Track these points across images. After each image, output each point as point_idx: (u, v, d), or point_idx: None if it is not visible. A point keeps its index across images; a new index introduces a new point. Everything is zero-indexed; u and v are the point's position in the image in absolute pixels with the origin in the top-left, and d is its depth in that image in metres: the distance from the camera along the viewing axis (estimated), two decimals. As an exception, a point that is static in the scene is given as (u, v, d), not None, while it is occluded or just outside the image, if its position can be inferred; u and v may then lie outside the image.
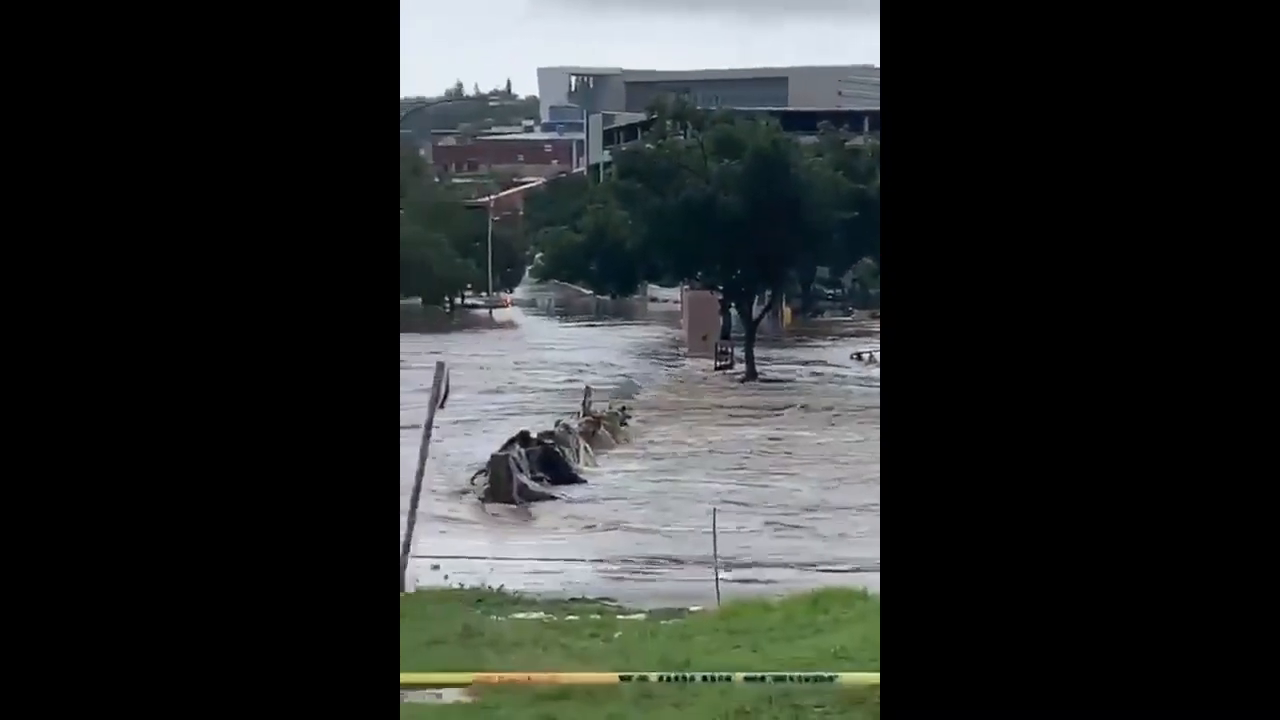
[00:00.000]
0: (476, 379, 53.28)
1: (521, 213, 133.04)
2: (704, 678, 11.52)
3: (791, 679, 11.50)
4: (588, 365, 62.00)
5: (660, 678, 11.68)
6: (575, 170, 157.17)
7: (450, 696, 14.79)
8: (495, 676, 13.48)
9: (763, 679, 11.55)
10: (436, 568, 22.63)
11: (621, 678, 11.58)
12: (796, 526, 30.28)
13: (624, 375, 60.28)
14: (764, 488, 35.03)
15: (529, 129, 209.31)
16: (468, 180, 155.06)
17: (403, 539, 21.08)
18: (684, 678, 11.61)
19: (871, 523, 30.82)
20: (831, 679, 11.18)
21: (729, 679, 11.38)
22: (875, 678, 12.08)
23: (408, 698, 14.56)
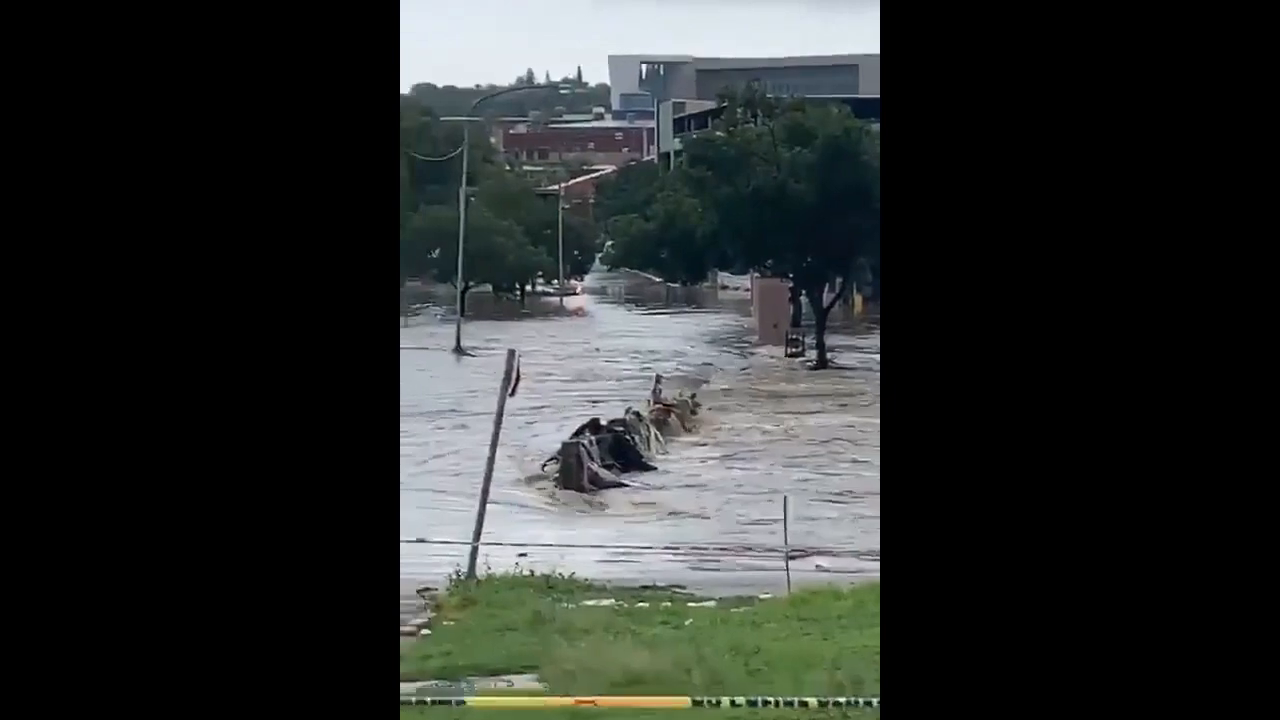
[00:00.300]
0: (548, 366, 53.36)
1: (592, 200, 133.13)
2: (785, 702, 11.52)
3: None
4: (658, 353, 61.99)
5: (733, 702, 11.67)
6: (646, 158, 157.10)
7: (521, 683, 14.83)
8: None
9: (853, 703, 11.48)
10: (524, 555, 22.68)
11: (694, 702, 11.62)
12: (867, 515, 30.21)
13: (694, 363, 60.26)
14: (835, 475, 34.96)
15: (600, 117, 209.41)
16: (539, 168, 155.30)
17: (474, 525, 21.15)
18: (755, 701, 11.63)
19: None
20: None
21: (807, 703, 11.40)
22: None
23: (477, 685, 14.60)
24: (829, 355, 61.07)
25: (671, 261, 65.51)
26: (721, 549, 26.51)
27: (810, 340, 62.96)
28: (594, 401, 45.35)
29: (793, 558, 22.21)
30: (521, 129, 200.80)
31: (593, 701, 12.65)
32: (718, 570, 24.67)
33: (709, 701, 11.74)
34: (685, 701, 11.80)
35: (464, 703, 12.91)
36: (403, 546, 21.62)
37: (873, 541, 27.60)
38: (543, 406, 43.16)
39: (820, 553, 25.76)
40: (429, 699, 13.12)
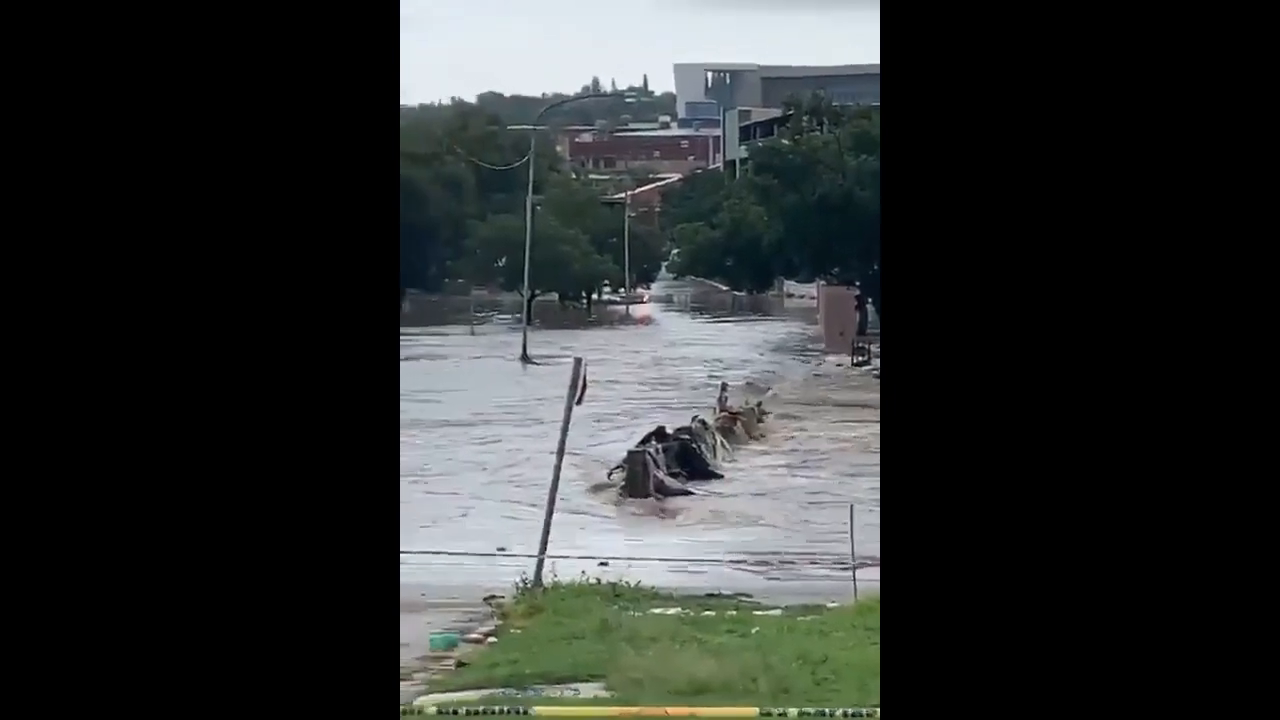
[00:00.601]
0: (614, 374, 53.37)
1: (658, 209, 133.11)
2: (843, 714, 11.45)
3: None
4: (724, 361, 61.94)
5: (800, 714, 11.63)
6: (711, 166, 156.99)
7: (588, 691, 14.84)
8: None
9: None
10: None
11: (762, 712, 11.61)
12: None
13: (760, 371, 60.18)
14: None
15: (665, 125, 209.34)
16: (605, 176, 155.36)
17: (540, 534, 21.18)
18: (824, 712, 11.59)
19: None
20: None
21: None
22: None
23: (543, 693, 14.61)
24: (896, 363, 60.74)
25: (737, 269, 65.53)
26: (788, 557, 26.46)
27: (877, 348, 62.75)
28: (660, 410, 45.33)
29: (860, 566, 22.14)
30: (587, 137, 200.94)
31: (664, 712, 12.65)
32: (784, 579, 24.62)
33: (776, 712, 11.71)
34: (752, 712, 11.80)
35: (527, 713, 12.92)
36: (470, 556, 21.61)
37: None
38: (610, 414, 43.17)
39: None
40: (496, 708, 13.14)
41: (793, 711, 11.57)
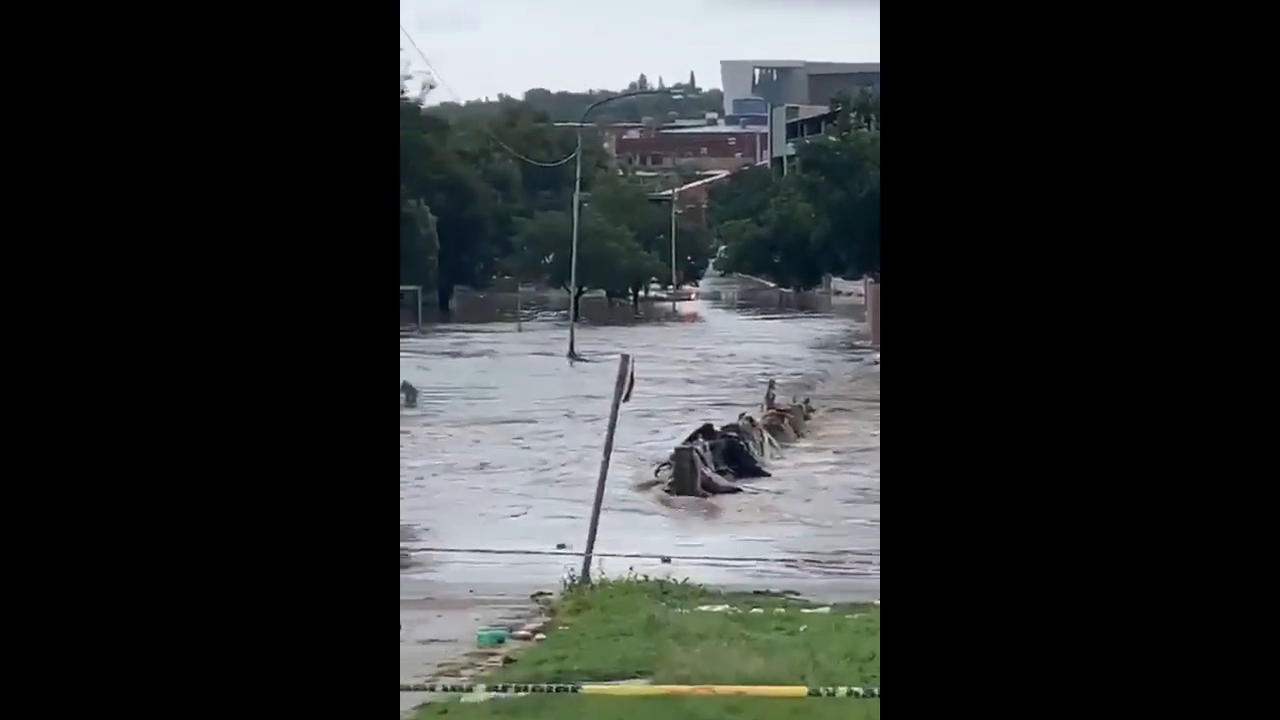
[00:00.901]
0: (661, 371, 53.40)
1: (705, 206, 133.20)
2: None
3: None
4: (771, 358, 61.94)
5: (850, 693, 11.56)
6: (759, 163, 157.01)
7: (634, 689, 14.84)
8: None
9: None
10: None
11: (811, 693, 11.55)
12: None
13: (808, 368, 60.14)
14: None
15: (712, 122, 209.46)
16: (652, 173, 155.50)
17: (588, 530, 21.19)
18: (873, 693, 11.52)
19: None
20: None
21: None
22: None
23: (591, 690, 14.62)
24: (943, 360, 60.65)
25: (785, 266, 65.59)
26: (835, 554, 26.43)
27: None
28: (707, 406, 45.34)
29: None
30: (634, 134, 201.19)
31: (710, 690, 12.64)
32: (833, 576, 24.59)
33: (825, 690, 11.68)
34: (801, 690, 11.75)
35: (577, 689, 12.93)
36: (515, 554, 21.60)
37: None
38: (657, 411, 43.19)
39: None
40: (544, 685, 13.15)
41: (841, 690, 11.53)
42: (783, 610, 18.97)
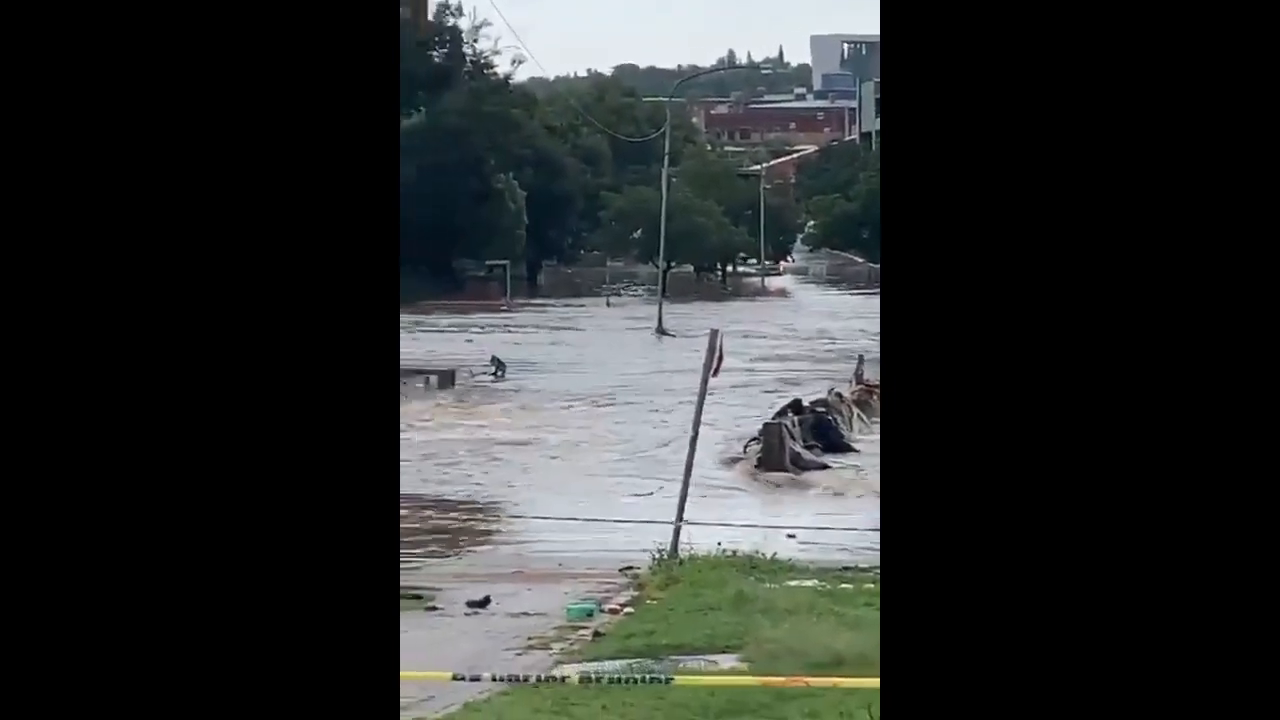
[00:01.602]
0: (750, 347, 53.38)
1: (793, 181, 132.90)
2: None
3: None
4: (862, 333, 61.79)
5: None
6: (847, 138, 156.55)
7: (724, 663, 14.85)
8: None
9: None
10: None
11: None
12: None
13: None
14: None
15: (801, 97, 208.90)
16: (740, 149, 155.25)
17: (676, 504, 21.21)
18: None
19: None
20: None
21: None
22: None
23: (681, 663, 14.63)
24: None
25: (874, 241, 65.21)
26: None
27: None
28: (796, 381, 45.28)
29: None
30: (723, 109, 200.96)
31: (805, 682, 12.61)
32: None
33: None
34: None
35: (669, 680, 12.94)
36: (598, 527, 21.58)
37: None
38: (747, 385, 43.16)
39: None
40: (636, 677, 13.17)
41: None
42: (872, 585, 18.93)
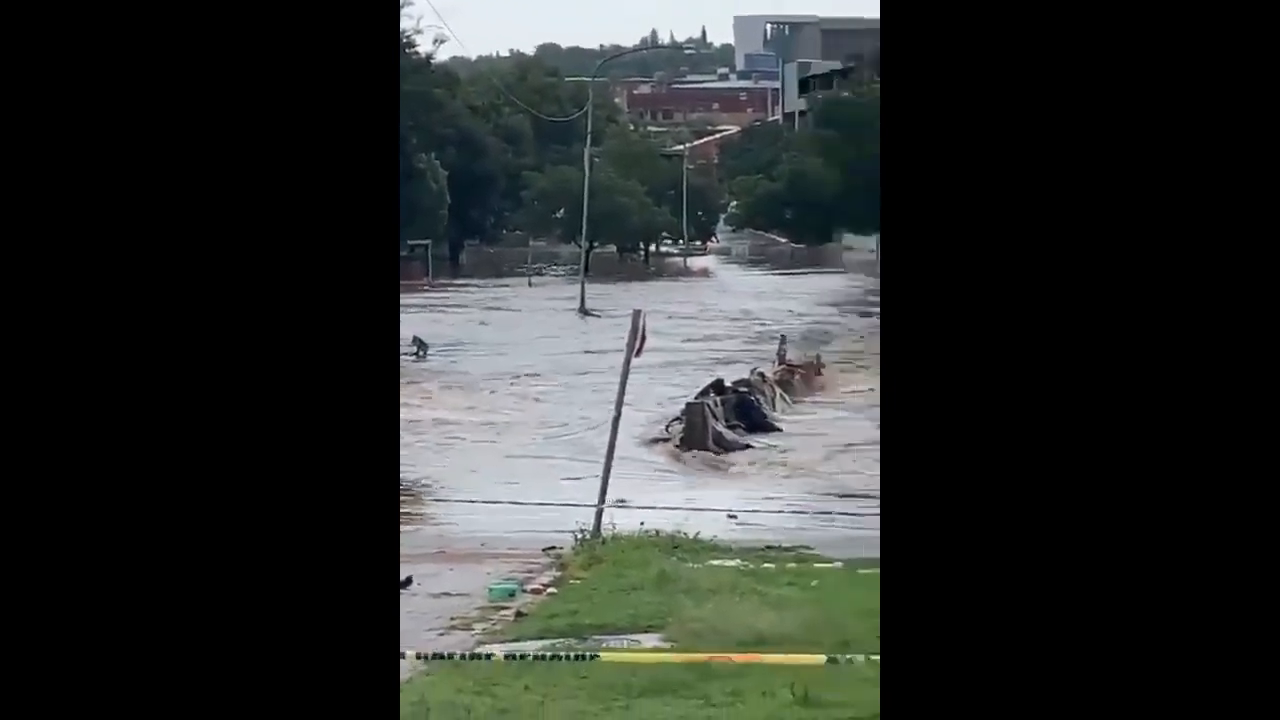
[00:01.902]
0: (672, 327, 53.37)
1: (716, 161, 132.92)
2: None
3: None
4: (783, 313, 61.86)
5: (867, 659, 11.43)
6: (770, 119, 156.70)
7: (647, 642, 14.83)
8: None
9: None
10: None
11: (829, 660, 11.46)
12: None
13: (820, 324, 60.10)
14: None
15: (724, 77, 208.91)
16: (663, 129, 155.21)
17: (599, 485, 21.19)
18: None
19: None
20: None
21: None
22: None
23: (604, 643, 14.61)
24: (955, 316, 60.55)
25: (797, 222, 65.46)
26: (848, 509, 26.41)
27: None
28: (718, 362, 45.31)
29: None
30: (646, 89, 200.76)
31: (729, 658, 12.61)
32: (846, 530, 24.57)
33: (844, 659, 11.63)
34: (819, 659, 11.72)
35: (595, 656, 12.92)
36: (522, 508, 21.53)
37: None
38: (668, 366, 43.15)
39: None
40: (562, 654, 13.14)
41: (860, 658, 11.46)
42: (795, 565, 18.95)
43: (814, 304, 67.96)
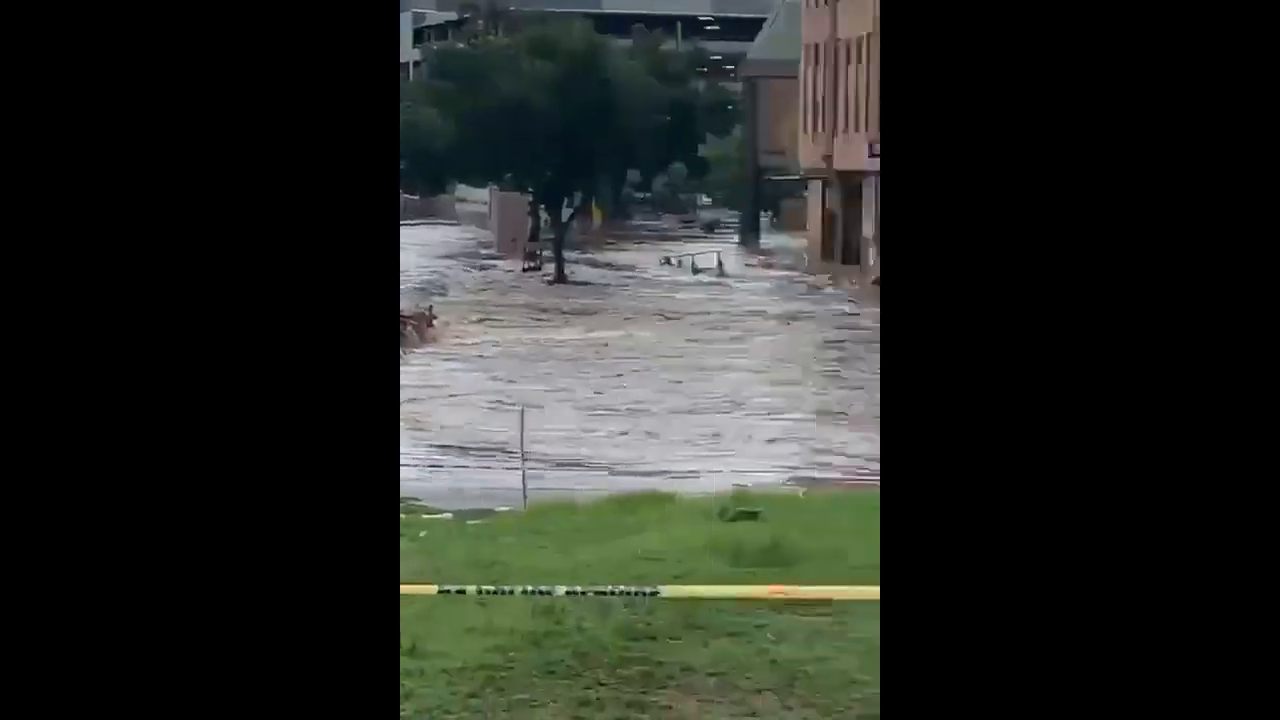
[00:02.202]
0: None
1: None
2: (523, 590, 11.37)
3: (613, 593, 11.37)
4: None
5: (479, 590, 11.51)
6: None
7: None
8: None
9: (583, 594, 11.40)
10: None
11: (441, 591, 11.41)
12: (620, 432, 30.36)
13: (431, 275, 60.10)
14: (570, 390, 35.10)
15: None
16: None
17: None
18: (502, 591, 11.47)
19: (683, 425, 31.01)
20: (654, 593, 11.06)
21: (549, 592, 11.23)
22: (692, 589, 12.07)
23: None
24: (567, 270, 61.24)
25: (409, 173, 65.04)
26: (457, 462, 26.48)
27: (548, 254, 63.06)
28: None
29: (529, 469, 22.23)
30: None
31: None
32: (455, 483, 24.66)
33: (455, 589, 11.65)
34: (431, 589, 11.72)
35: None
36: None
37: (620, 454, 27.70)
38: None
39: (560, 466, 25.83)
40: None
41: (471, 588, 11.50)
42: (403, 516, 18.93)
43: (425, 255, 67.87)
